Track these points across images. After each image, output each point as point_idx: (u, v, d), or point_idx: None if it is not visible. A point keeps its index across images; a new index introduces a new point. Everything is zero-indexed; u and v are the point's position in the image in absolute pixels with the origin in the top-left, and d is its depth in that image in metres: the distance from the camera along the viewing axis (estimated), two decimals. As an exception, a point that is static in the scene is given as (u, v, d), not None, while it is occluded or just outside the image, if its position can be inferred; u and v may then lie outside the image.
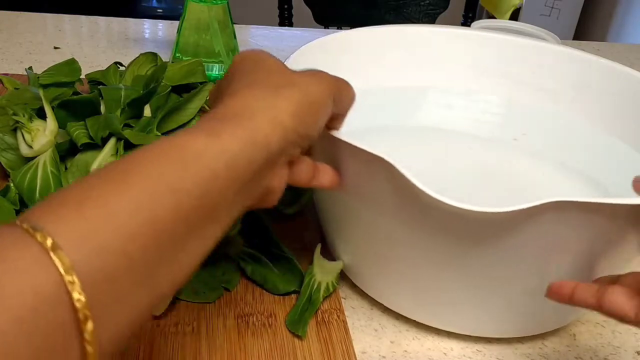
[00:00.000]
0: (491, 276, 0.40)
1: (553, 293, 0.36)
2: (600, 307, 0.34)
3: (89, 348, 0.22)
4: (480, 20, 0.88)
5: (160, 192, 0.25)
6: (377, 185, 0.39)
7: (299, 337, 0.43)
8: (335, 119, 0.39)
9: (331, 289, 0.47)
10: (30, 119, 0.54)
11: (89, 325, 0.22)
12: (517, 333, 0.46)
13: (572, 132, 0.57)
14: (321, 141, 0.37)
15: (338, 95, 0.36)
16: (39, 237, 0.21)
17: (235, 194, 0.29)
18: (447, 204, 0.34)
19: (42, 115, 0.55)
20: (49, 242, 0.21)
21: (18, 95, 0.59)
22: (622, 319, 0.33)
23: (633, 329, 0.49)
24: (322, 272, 0.47)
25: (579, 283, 0.35)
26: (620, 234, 0.38)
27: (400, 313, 0.46)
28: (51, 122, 0.53)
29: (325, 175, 0.40)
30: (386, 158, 0.36)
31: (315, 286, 0.46)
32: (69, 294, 0.21)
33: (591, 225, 0.37)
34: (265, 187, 0.33)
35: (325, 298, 0.46)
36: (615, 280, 0.35)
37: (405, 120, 0.60)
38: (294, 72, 0.35)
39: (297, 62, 0.49)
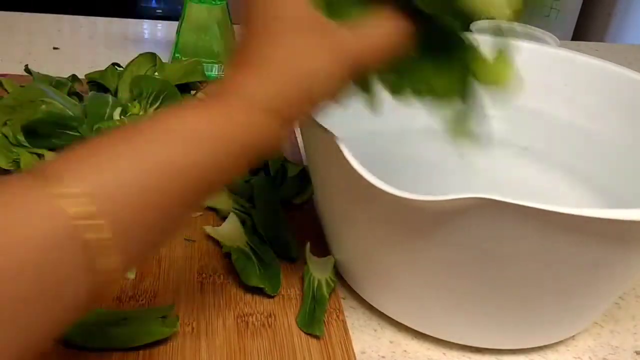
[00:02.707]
0: (459, 281, 0.40)
1: None
2: None
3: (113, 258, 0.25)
4: (480, 21, 0.88)
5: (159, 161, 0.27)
6: (334, 167, 0.40)
7: (316, 337, 0.43)
8: None
9: (332, 285, 0.47)
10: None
11: (109, 259, 0.25)
12: (506, 345, 0.45)
13: (583, 140, 0.56)
14: None
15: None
16: (57, 186, 0.24)
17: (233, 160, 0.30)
18: (375, 186, 0.34)
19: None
20: (65, 190, 0.24)
21: (25, 93, 0.59)
22: None
23: (632, 328, 0.49)
24: (317, 269, 0.48)
25: None
26: (583, 253, 0.37)
27: (384, 312, 0.46)
28: None
29: None
30: (332, 134, 0.37)
31: (316, 284, 0.46)
32: (79, 235, 0.24)
33: (533, 234, 0.35)
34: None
35: (330, 294, 0.46)
36: None
37: (409, 126, 0.59)
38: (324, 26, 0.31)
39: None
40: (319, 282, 0.47)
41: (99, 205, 0.24)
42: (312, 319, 0.44)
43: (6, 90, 0.62)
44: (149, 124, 0.28)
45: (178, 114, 0.29)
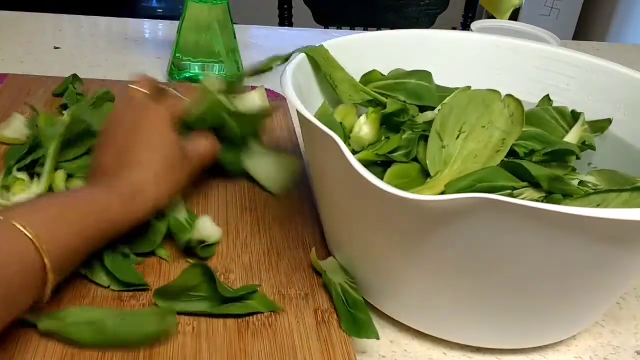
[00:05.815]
0: (459, 280, 0.40)
1: None
2: None
3: (50, 276, 0.39)
4: (480, 21, 0.88)
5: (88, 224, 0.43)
6: (334, 167, 0.41)
7: (375, 339, 0.42)
8: None
9: (353, 284, 0.46)
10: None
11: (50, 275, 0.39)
12: (506, 345, 0.45)
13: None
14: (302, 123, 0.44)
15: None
16: (27, 231, 0.38)
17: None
18: (376, 186, 0.34)
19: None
20: (31, 234, 0.38)
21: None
22: None
23: (633, 328, 0.49)
24: (333, 273, 0.47)
25: None
26: (588, 254, 0.37)
27: (384, 312, 0.46)
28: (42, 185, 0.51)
29: None
30: (332, 135, 0.37)
31: (340, 290, 0.45)
32: (41, 258, 0.38)
33: (533, 234, 0.35)
34: None
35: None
36: None
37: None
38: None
39: (300, 66, 0.49)
40: (342, 286, 0.46)
41: (44, 245, 0.38)
42: (362, 325, 0.43)
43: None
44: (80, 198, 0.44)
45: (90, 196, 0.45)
